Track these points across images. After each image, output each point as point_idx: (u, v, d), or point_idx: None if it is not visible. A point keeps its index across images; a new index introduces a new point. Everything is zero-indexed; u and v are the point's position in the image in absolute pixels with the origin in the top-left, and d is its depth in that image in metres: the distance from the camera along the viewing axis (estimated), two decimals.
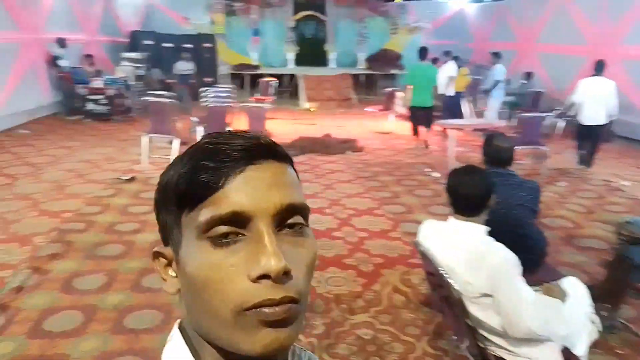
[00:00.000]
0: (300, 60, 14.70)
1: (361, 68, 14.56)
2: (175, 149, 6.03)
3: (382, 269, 3.61)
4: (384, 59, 14.46)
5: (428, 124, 7.95)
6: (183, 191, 0.48)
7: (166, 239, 0.53)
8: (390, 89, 9.99)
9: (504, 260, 1.76)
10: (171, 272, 0.53)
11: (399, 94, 9.48)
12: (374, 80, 14.42)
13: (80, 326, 2.78)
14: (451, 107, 8.67)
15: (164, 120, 6.33)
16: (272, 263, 0.44)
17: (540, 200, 2.68)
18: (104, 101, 9.61)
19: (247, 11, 14.60)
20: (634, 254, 2.62)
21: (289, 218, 0.49)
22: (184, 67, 11.64)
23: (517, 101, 10.16)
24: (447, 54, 10.07)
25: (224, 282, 0.45)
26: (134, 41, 12.64)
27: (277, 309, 0.45)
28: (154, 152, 6.36)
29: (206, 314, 0.47)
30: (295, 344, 0.60)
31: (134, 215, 4.56)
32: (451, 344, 2.54)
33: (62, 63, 9.60)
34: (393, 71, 14.17)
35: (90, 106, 9.59)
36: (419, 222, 2.23)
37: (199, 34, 13.28)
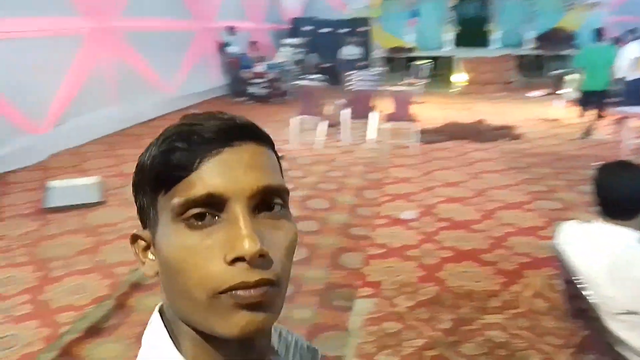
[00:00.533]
0: (459, 42, 13.99)
1: (527, 48, 13.30)
2: (321, 131, 6.21)
3: (526, 270, 3.27)
4: (556, 39, 12.98)
5: (600, 108, 6.97)
6: (157, 173, 0.48)
7: (144, 222, 0.53)
8: (560, 71, 8.96)
9: None
10: (150, 255, 0.52)
11: (569, 77, 8.45)
12: (542, 62, 13.06)
13: None
14: (634, 92, 7.43)
15: (313, 103, 6.55)
16: (246, 246, 0.43)
17: None
18: (265, 84, 10.36)
19: None
20: None
21: (267, 200, 0.48)
22: (351, 52, 11.47)
23: None
24: (631, 32, 8.67)
25: (199, 265, 0.45)
26: (295, 27, 13.33)
27: (252, 291, 0.44)
28: (303, 134, 6.65)
29: (182, 296, 0.47)
30: (282, 326, 0.61)
31: None
32: None
33: (230, 49, 10.58)
34: (565, 52, 12.65)
35: (252, 89, 10.44)
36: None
37: (355, 18, 13.44)
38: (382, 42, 13.70)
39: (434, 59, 12.42)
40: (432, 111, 8.98)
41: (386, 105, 6.72)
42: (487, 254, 3.51)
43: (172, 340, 0.50)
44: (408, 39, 13.85)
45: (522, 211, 4.34)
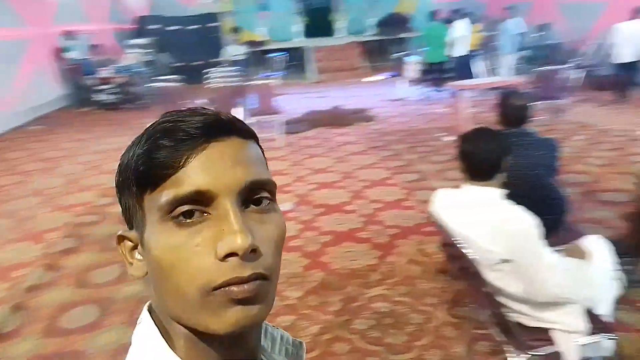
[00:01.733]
0: (308, 32, 14.40)
1: (369, 34, 14.19)
2: None
3: (397, 240, 3.55)
4: (394, 23, 14.04)
5: (438, 81, 8.01)
6: (143, 172, 0.47)
7: (130, 222, 0.52)
8: (401, 54, 9.73)
9: (524, 223, 1.69)
10: (137, 256, 0.52)
11: (409, 59, 9.22)
12: (385, 47, 14.04)
13: (97, 320, 2.80)
14: (460, 68, 8.45)
15: (172, 104, 6.28)
16: (238, 241, 0.43)
17: (559, 157, 2.55)
18: (114, 90, 9.63)
19: None
20: None
21: (255, 194, 0.48)
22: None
23: (535, 55, 9.78)
24: (455, 12, 9.73)
25: (190, 262, 0.45)
26: (141, 26, 12.56)
27: (245, 286, 0.44)
28: None
29: (174, 295, 0.46)
30: (267, 322, 0.60)
31: None
32: (471, 312, 2.47)
33: (70, 55, 9.61)
34: (403, 35, 13.77)
35: (99, 96, 9.63)
36: (434, 189, 2.13)
37: (205, 13, 13.10)
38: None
39: (288, 50, 12.64)
40: (292, 102, 9.17)
41: (249, 100, 6.71)
42: (362, 232, 3.73)
43: (164, 337, 0.50)
44: (261, 32, 13.89)
45: (386, 187, 4.68)
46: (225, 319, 0.44)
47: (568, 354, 1.72)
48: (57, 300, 3.01)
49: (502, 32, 9.45)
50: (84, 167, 5.96)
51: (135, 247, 0.52)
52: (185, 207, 0.45)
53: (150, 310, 0.53)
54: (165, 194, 0.45)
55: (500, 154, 1.82)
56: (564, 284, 1.66)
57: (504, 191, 1.84)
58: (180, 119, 0.48)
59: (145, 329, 0.51)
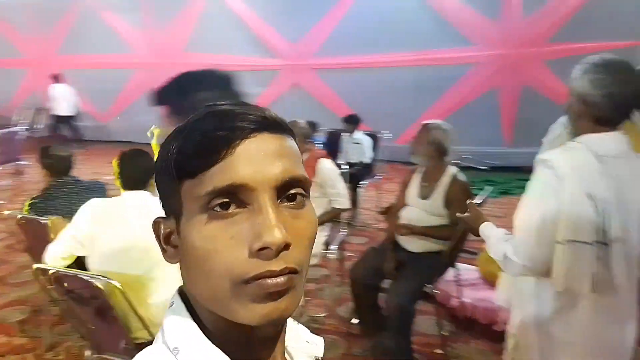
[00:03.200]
0: None
1: None
2: None
3: None
4: None
5: None
6: (184, 162, 0.48)
7: (167, 209, 0.52)
8: None
9: None
10: (172, 242, 0.52)
11: None
12: None
13: None
14: None
15: None
16: (274, 235, 0.44)
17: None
18: None
19: None
20: None
21: (290, 190, 0.49)
22: None
23: None
24: None
25: (225, 253, 0.46)
26: None
27: (277, 280, 0.46)
28: None
29: (206, 285, 0.48)
30: None
31: None
32: None
33: None
34: None
35: None
36: None
37: None
38: None
39: None
40: None
41: None
42: None
43: (195, 321, 0.51)
44: None
45: None
46: (255, 312, 0.46)
47: None
48: None
49: None
50: None
51: (171, 234, 0.52)
52: (222, 199, 0.46)
53: (180, 294, 0.54)
54: (205, 185, 0.46)
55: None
56: None
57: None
58: (224, 111, 0.49)
59: (177, 311, 0.52)
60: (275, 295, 0.46)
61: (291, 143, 0.52)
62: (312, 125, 5.32)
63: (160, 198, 0.54)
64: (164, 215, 0.54)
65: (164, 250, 0.54)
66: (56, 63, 10.25)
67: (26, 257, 3.75)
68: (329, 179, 3.02)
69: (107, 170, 6.24)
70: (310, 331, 0.65)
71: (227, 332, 0.50)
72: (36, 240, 2.45)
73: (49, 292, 1.98)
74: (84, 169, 6.53)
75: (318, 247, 3.08)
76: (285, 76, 8.96)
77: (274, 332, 0.53)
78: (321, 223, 3.09)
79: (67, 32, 10.50)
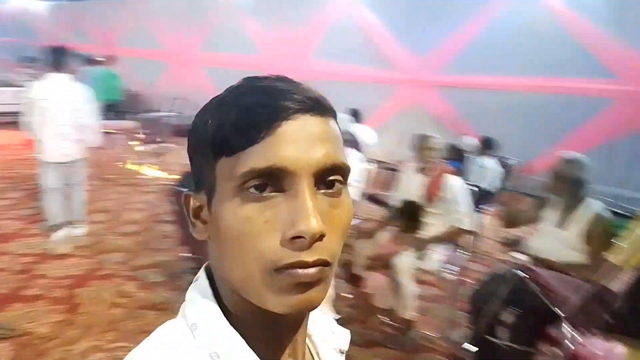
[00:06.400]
0: None
1: None
2: None
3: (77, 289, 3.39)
4: None
5: None
6: (222, 138, 0.46)
7: (199, 184, 0.51)
8: None
9: None
10: (202, 218, 0.51)
11: None
12: None
13: None
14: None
15: None
16: (309, 225, 0.43)
17: None
18: None
19: None
20: None
21: (329, 177, 0.47)
22: None
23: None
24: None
25: (258, 238, 0.45)
26: None
27: (309, 271, 0.44)
28: None
29: (236, 267, 0.47)
30: None
31: None
32: None
33: None
34: None
35: None
36: None
37: None
38: None
39: None
40: None
41: None
42: (31, 289, 3.38)
43: (217, 300, 0.51)
44: None
45: (29, 238, 4.27)
46: (285, 301, 0.45)
47: None
48: None
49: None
50: None
51: (200, 209, 0.50)
52: (259, 181, 0.45)
53: (207, 270, 0.53)
54: (242, 164, 0.45)
55: None
56: None
57: None
58: (267, 87, 0.47)
59: (200, 287, 0.52)
60: (305, 286, 0.45)
61: (334, 126, 0.49)
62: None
63: (193, 171, 0.52)
64: (194, 189, 0.52)
65: (192, 225, 0.52)
66: (197, 59, 11.05)
67: (168, 227, 4.33)
68: (454, 196, 2.98)
69: None
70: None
71: (249, 315, 0.49)
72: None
73: None
74: None
75: (435, 264, 3.05)
76: (406, 91, 8.93)
77: (299, 319, 0.52)
78: (440, 241, 3.05)
79: (209, 29, 11.11)
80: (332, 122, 0.49)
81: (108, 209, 5.30)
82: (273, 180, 0.45)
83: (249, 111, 0.45)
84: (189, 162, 0.52)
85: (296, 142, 0.45)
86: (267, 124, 0.45)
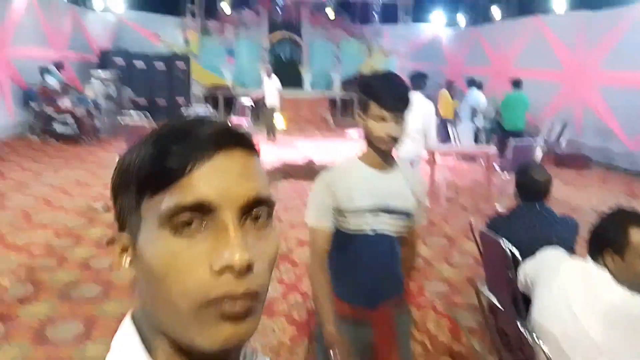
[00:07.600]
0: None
1: (336, 92, 14.39)
2: None
3: None
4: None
5: None
6: (146, 176, 0.46)
7: (123, 225, 0.50)
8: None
9: None
10: (127, 259, 0.49)
11: None
12: (350, 104, 14.25)
13: None
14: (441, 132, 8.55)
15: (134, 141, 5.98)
16: (236, 256, 0.42)
17: (578, 237, 2.44)
18: (70, 121, 9.09)
19: (221, 31, 14.40)
20: None
21: (255, 210, 0.47)
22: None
23: (492, 126, 10.17)
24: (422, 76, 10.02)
25: (185, 272, 0.43)
26: (105, 59, 12.13)
27: (237, 303, 0.43)
28: None
29: (163, 305, 0.45)
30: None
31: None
32: None
33: (49, 80, 9.10)
34: None
35: (56, 126, 9.08)
36: None
37: (172, 53, 12.92)
38: (201, 79, 13.43)
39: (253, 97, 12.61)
40: (262, 149, 8.95)
41: None
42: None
43: (145, 346, 0.47)
44: (227, 77, 13.82)
45: None
46: (214, 336, 0.43)
47: None
48: (10, 358, 2.59)
49: (463, 102, 9.84)
50: (37, 201, 5.47)
51: (124, 250, 0.49)
52: (186, 216, 0.44)
53: (133, 317, 0.51)
54: (167, 201, 0.44)
55: None
56: None
57: None
58: (189, 125, 0.47)
59: (125, 336, 0.49)
60: (235, 319, 0.43)
61: (257, 161, 0.50)
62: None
63: (116, 211, 0.50)
64: (118, 229, 0.50)
65: (118, 267, 0.50)
66: (596, 77, 9.30)
67: None
68: None
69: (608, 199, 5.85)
70: None
71: None
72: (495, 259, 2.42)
73: None
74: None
75: None
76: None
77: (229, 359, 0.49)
78: None
79: (613, 46, 8.98)
80: (256, 158, 0.50)
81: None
82: (199, 215, 0.44)
83: (172, 148, 0.45)
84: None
85: (221, 177, 0.45)
86: (193, 160, 0.45)
